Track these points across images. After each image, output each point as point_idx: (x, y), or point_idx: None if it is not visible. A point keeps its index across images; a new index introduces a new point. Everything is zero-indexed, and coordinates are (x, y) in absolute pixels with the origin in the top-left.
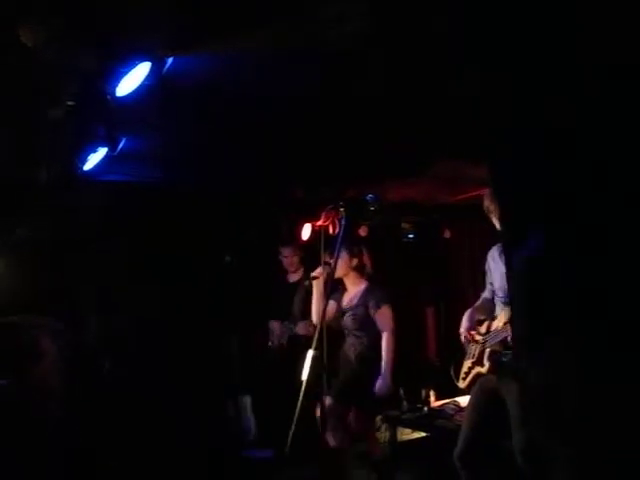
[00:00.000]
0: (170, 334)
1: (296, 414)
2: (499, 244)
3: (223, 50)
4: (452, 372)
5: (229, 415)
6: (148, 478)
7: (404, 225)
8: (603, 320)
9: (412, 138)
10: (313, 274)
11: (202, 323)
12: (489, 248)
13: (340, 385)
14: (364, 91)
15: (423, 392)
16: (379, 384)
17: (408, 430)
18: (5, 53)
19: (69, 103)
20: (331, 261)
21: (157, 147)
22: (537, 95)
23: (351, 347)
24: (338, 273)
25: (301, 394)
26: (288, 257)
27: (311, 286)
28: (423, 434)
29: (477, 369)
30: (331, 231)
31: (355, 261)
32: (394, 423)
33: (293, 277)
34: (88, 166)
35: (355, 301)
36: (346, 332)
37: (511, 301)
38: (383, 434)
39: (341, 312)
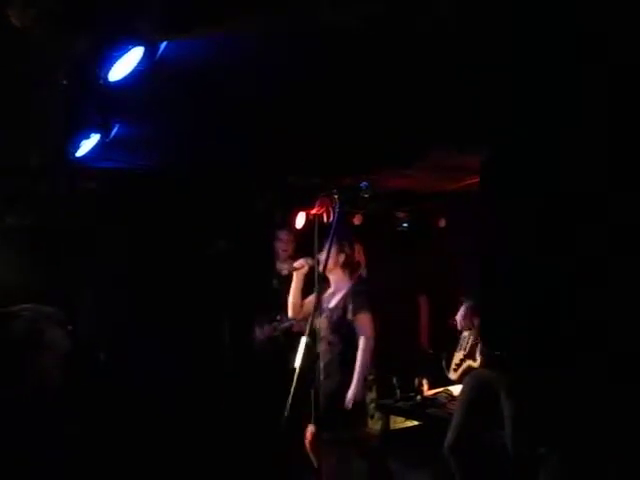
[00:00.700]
0: (164, 323)
1: (288, 402)
2: None
3: (217, 34)
4: (443, 363)
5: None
6: (144, 467)
7: (399, 214)
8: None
9: (407, 126)
10: (295, 265)
11: (195, 311)
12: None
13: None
14: (360, 77)
15: (416, 381)
16: (349, 396)
17: (401, 418)
18: None
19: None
20: (319, 255)
21: (150, 133)
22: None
23: (322, 354)
24: (322, 267)
25: (294, 382)
26: (284, 241)
27: (291, 277)
28: (416, 423)
29: (469, 362)
30: (325, 219)
31: (343, 257)
32: (387, 411)
33: (283, 267)
34: (81, 153)
35: (334, 302)
36: (322, 334)
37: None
38: (376, 422)
39: (319, 311)
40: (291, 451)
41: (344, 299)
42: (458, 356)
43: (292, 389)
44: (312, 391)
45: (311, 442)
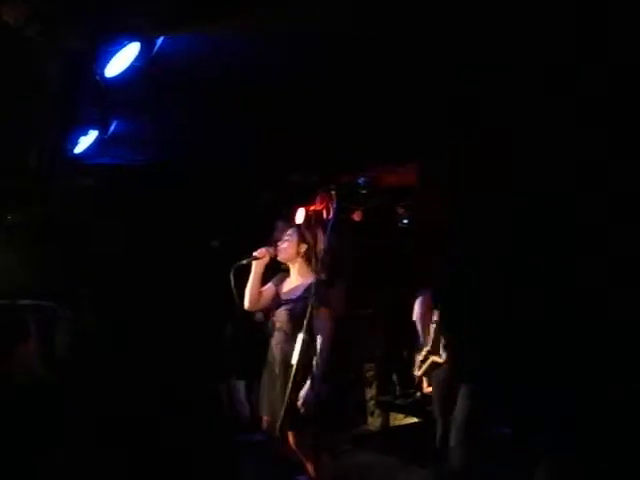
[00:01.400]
0: (164, 318)
1: (286, 397)
2: None
3: (214, 29)
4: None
5: (222, 400)
6: (142, 462)
7: (399, 210)
8: None
9: (406, 123)
10: (255, 254)
11: (196, 307)
12: None
13: (269, 397)
14: (358, 75)
15: (416, 378)
16: (302, 394)
17: (401, 415)
18: None
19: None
20: (280, 243)
21: (148, 129)
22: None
23: (278, 345)
24: (283, 256)
25: (291, 378)
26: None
27: (250, 266)
28: (415, 419)
29: (433, 358)
30: (325, 216)
31: (304, 247)
32: (387, 408)
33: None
34: (79, 149)
35: (297, 293)
36: (277, 325)
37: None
38: (375, 419)
39: (277, 301)
40: (286, 448)
41: (307, 291)
42: (422, 352)
43: (289, 385)
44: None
45: (295, 443)
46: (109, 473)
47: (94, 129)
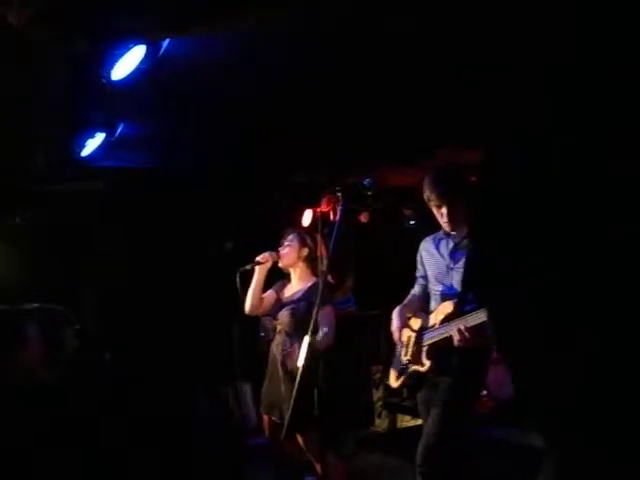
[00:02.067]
0: (170, 321)
1: (292, 400)
2: (434, 235)
3: (219, 32)
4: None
5: (229, 403)
6: (147, 466)
7: (406, 211)
8: None
9: (413, 125)
10: (258, 259)
11: (203, 311)
12: None
13: (270, 398)
14: (363, 75)
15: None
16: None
17: (408, 417)
18: None
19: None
20: (281, 248)
21: (155, 132)
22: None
23: (279, 345)
24: (285, 262)
25: (297, 380)
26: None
27: (254, 271)
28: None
29: (414, 367)
30: (331, 217)
31: (306, 251)
32: (394, 410)
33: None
34: (86, 152)
35: (298, 295)
36: (278, 328)
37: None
38: (383, 421)
39: (279, 305)
40: (297, 450)
41: (309, 292)
42: (399, 362)
43: (295, 387)
44: (315, 390)
45: (304, 444)
46: (110, 474)
47: (101, 132)
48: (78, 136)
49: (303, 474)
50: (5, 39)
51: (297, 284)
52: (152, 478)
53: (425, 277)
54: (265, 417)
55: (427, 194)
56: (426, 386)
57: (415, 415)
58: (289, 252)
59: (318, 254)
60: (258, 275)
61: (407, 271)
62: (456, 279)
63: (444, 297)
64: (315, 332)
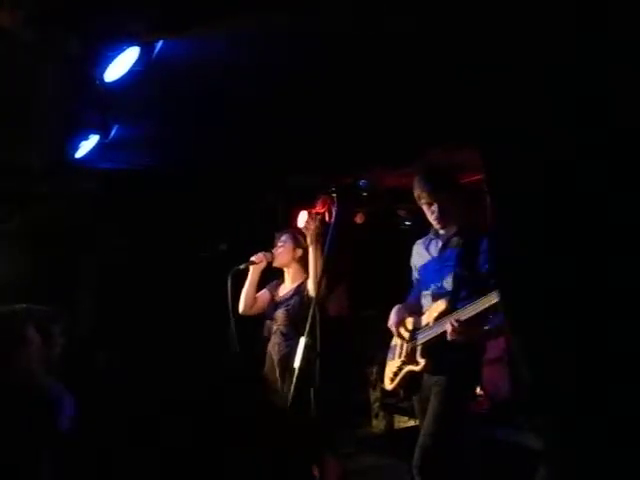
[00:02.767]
0: (167, 323)
1: (289, 401)
2: (424, 237)
3: (213, 33)
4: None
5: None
6: (146, 467)
7: (401, 212)
8: None
9: (406, 126)
10: (252, 259)
11: (199, 311)
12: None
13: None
14: (358, 76)
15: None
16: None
17: (405, 418)
18: None
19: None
20: (274, 249)
21: (149, 133)
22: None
23: (275, 346)
24: (278, 262)
25: (293, 381)
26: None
27: (248, 271)
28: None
29: (409, 367)
30: (327, 218)
31: (300, 252)
32: (391, 411)
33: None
34: (80, 153)
35: (291, 293)
36: (273, 329)
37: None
38: (380, 422)
39: (274, 305)
40: (291, 450)
41: (299, 287)
42: (394, 364)
43: (292, 389)
44: (312, 390)
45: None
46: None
47: (95, 133)
48: (72, 138)
49: None
50: None
51: (291, 284)
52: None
53: (418, 280)
54: None
55: (418, 192)
56: (422, 387)
57: (412, 416)
58: (283, 252)
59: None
60: (252, 275)
61: (402, 272)
62: (446, 278)
63: (435, 297)
64: (311, 335)
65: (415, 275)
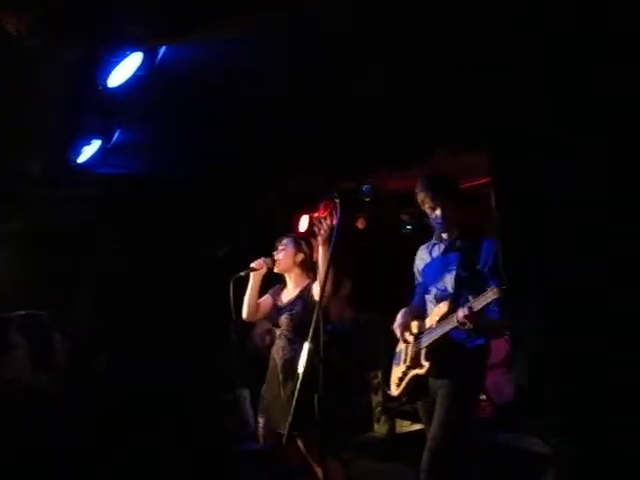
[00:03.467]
0: (167, 327)
1: (292, 406)
2: (427, 243)
3: (215, 38)
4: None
5: (227, 408)
6: (144, 473)
7: (403, 216)
8: None
9: (410, 129)
10: (252, 265)
11: (200, 316)
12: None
13: (268, 400)
14: (361, 79)
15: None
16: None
17: (407, 422)
18: None
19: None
20: (276, 253)
21: (151, 138)
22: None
23: (279, 350)
24: (280, 267)
25: (297, 386)
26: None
27: (248, 277)
28: (422, 426)
29: (414, 372)
30: (329, 223)
31: (301, 256)
32: (393, 415)
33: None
34: (82, 159)
35: (293, 298)
36: (277, 333)
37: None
38: (382, 426)
39: (277, 310)
40: (293, 455)
41: (303, 292)
42: (399, 370)
43: (295, 394)
44: (315, 395)
45: (305, 448)
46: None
47: (97, 139)
48: (75, 143)
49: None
50: (2, 45)
51: (293, 289)
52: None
53: (421, 284)
54: (260, 421)
55: (421, 197)
56: (427, 392)
57: (414, 420)
58: (284, 257)
59: (312, 259)
60: (253, 281)
61: (404, 276)
62: (449, 282)
63: (438, 300)
64: (314, 340)
65: (418, 279)
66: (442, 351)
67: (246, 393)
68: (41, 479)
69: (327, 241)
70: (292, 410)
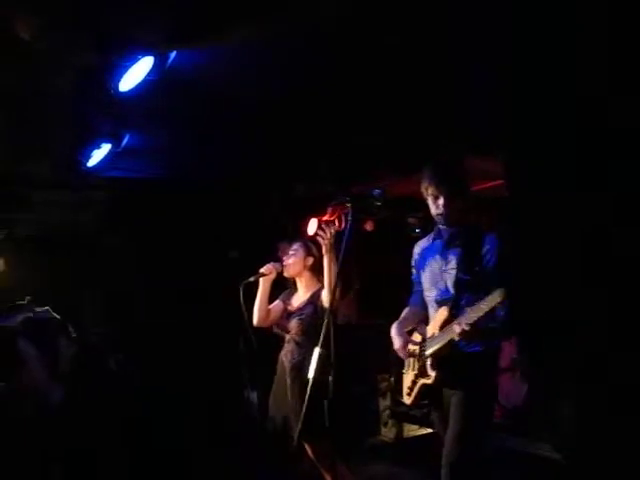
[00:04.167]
0: (176, 331)
1: (302, 411)
2: (426, 237)
3: (225, 43)
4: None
5: (236, 411)
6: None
7: (411, 220)
8: None
9: (419, 133)
10: (262, 270)
11: (208, 319)
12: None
13: (277, 404)
14: (370, 83)
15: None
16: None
17: (415, 426)
18: (5, 47)
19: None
20: (286, 258)
21: (161, 142)
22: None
23: (288, 354)
24: (290, 272)
25: (307, 392)
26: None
27: (258, 283)
28: (430, 430)
29: (422, 381)
30: (337, 226)
31: (311, 260)
32: (401, 419)
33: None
34: (92, 162)
35: (304, 302)
36: (287, 337)
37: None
38: (390, 430)
39: (287, 314)
40: (303, 460)
41: (313, 296)
42: (408, 378)
43: (306, 399)
44: (325, 401)
45: (314, 454)
46: None
47: (107, 142)
48: (84, 146)
49: None
50: (14, 50)
51: (304, 293)
52: None
53: (420, 282)
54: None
55: (425, 184)
56: (441, 399)
57: (422, 424)
58: (294, 262)
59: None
60: (263, 286)
61: (411, 280)
62: (449, 281)
63: (439, 303)
64: (325, 346)
65: (415, 276)
66: (448, 359)
67: (254, 396)
68: None
69: (331, 250)
70: (302, 417)
